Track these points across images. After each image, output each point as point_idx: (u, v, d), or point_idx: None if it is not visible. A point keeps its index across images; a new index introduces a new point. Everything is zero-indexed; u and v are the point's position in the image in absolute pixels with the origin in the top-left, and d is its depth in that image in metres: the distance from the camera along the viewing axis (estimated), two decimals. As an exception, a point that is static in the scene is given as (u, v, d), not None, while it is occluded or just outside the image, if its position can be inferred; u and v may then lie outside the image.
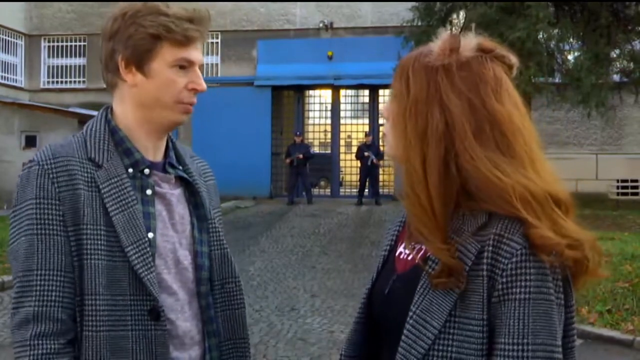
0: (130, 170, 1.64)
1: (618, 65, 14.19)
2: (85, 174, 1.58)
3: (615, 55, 14.02)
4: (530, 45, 12.14)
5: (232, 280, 1.77)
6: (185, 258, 1.69)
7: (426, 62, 1.33)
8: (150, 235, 1.61)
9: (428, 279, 1.29)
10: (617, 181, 18.02)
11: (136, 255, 1.56)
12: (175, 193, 1.71)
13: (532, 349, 1.19)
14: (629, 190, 18.00)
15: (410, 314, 1.29)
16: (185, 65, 1.63)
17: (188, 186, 1.75)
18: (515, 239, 1.22)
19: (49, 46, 21.42)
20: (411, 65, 1.35)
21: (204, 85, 1.66)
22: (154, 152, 1.70)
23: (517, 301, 1.21)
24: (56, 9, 21.07)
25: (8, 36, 20.61)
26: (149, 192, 1.65)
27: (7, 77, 20.54)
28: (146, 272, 1.56)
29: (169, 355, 1.60)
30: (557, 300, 1.23)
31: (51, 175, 1.55)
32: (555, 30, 13.13)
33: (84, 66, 21.12)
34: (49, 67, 21.45)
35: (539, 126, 17.19)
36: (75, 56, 21.21)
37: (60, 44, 21.35)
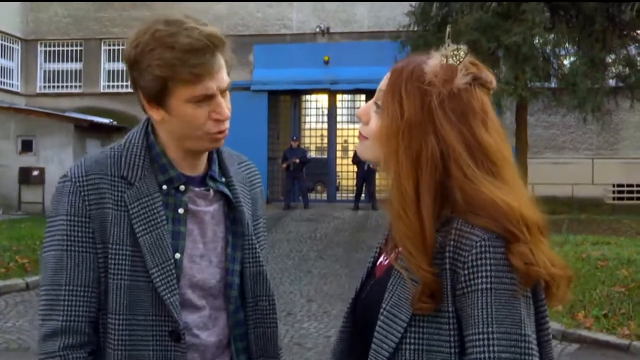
0: (165, 187, 1.62)
1: (613, 70, 14.24)
2: (116, 193, 1.58)
3: (610, 60, 14.07)
4: (526, 50, 12.18)
5: (266, 299, 1.73)
6: (214, 276, 1.67)
7: (420, 86, 1.36)
8: (177, 256, 1.60)
9: (397, 274, 1.35)
10: (613, 186, 18.04)
11: (160, 278, 1.55)
12: (210, 210, 1.68)
13: (497, 337, 1.23)
14: (625, 195, 18.01)
15: (381, 310, 1.34)
16: (201, 100, 1.54)
17: (228, 200, 1.70)
18: (474, 232, 1.27)
19: (45, 51, 21.40)
20: (404, 85, 1.37)
21: (226, 114, 1.58)
22: (193, 166, 1.67)
23: (479, 291, 1.25)
24: (52, 14, 21.05)
25: (4, 41, 20.58)
26: (180, 210, 1.62)
27: (4, 82, 20.50)
28: (169, 295, 1.56)
29: None
30: (521, 292, 1.26)
31: (82, 193, 1.57)
32: (551, 35, 13.18)
33: (80, 71, 21.09)
34: (45, 71, 21.41)
35: (535, 131, 17.26)
36: (72, 61, 21.19)
37: (56, 48, 21.32)
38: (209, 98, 1.54)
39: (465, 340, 1.27)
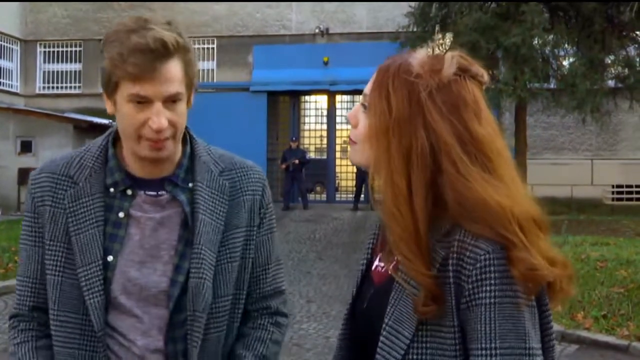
0: (112, 189, 1.61)
1: (612, 71, 14.25)
2: (57, 191, 1.62)
3: (609, 61, 14.08)
4: (525, 51, 12.19)
5: (201, 313, 1.61)
6: (157, 285, 1.60)
7: (407, 79, 1.32)
8: (110, 258, 1.58)
9: (399, 288, 1.30)
10: (612, 186, 18.05)
11: (85, 278, 1.57)
12: (157, 217, 1.62)
13: (501, 352, 1.20)
14: (624, 196, 18.03)
15: (384, 325, 1.30)
16: (140, 101, 1.50)
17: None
18: (479, 245, 1.23)
19: (44, 51, 21.40)
20: (391, 81, 1.34)
21: (158, 124, 1.51)
22: (149, 169, 1.63)
23: (483, 306, 1.22)
24: (51, 14, 21.06)
25: (3, 41, 20.58)
26: (121, 214, 1.60)
27: (3, 83, 20.51)
28: (90, 296, 1.56)
29: None
30: (526, 302, 1.23)
31: (32, 191, 1.66)
32: (550, 36, 13.18)
33: (79, 71, 21.10)
34: (44, 72, 21.42)
35: (534, 132, 17.27)
36: (71, 61, 21.19)
37: (55, 49, 21.33)
38: (147, 102, 1.51)
39: (469, 355, 1.24)
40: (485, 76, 1.37)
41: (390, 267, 1.36)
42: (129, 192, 1.62)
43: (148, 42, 1.47)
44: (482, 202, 1.24)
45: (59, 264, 1.60)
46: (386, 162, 1.31)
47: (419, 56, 1.35)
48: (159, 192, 1.63)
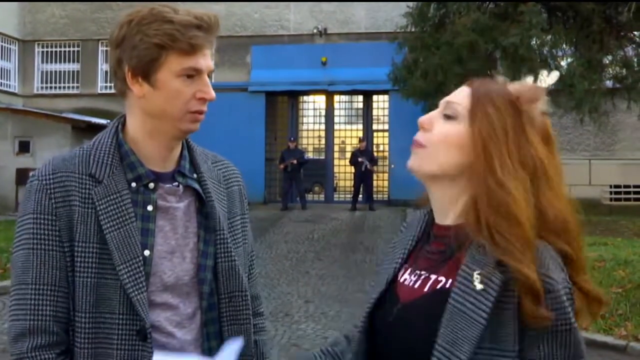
0: (134, 184, 1.62)
1: (611, 72, 14.24)
2: (83, 191, 1.58)
3: (607, 62, 14.07)
4: (523, 51, 12.18)
5: (239, 294, 1.71)
6: (187, 273, 1.65)
7: (509, 97, 1.39)
8: (147, 253, 1.59)
9: (454, 309, 1.29)
10: (610, 187, 18.07)
11: (127, 275, 1.55)
12: (181, 206, 1.67)
13: None
14: (622, 196, 18.04)
15: (436, 346, 1.28)
16: (192, 74, 1.58)
17: (199, 196, 1.70)
18: (549, 275, 1.27)
19: (42, 51, 21.38)
20: (494, 95, 1.39)
21: (212, 94, 1.61)
22: (164, 162, 1.67)
23: (560, 332, 1.28)
24: (50, 15, 21.04)
25: (2, 42, 20.56)
26: (149, 207, 1.62)
27: (1, 83, 20.49)
28: (136, 292, 1.55)
29: None
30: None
31: (49, 191, 1.57)
32: (548, 37, 13.17)
33: (77, 72, 21.09)
34: (42, 72, 21.40)
35: (533, 132, 17.26)
36: (69, 62, 21.18)
37: (54, 49, 21.31)
38: (197, 75, 1.58)
39: None
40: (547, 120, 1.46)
41: (433, 283, 1.38)
42: (151, 185, 1.64)
43: (204, 18, 1.56)
44: (561, 217, 1.35)
45: (93, 265, 1.55)
46: (498, 167, 1.33)
47: (516, 85, 1.43)
48: (173, 184, 1.68)
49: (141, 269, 1.56)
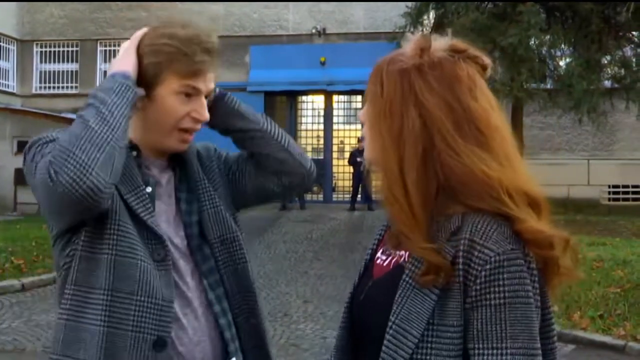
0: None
1: (609, 72, 14.26)
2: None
3: (606, 62, 14.09)
4: (522, 51, 12.19)
5: (230, 235, 1.74)
6: (177, 234, 1.70)
7: (399, 64, 1.33)
8: (149, 189, 1.66)
9: (407, 286, 1.27)
10: (609, 187, 18.08)
11: (136, 202, 1.60)
12: (166, 175, 1.75)
13: (511, 352, 1.19)
14: (621, 196, 18.06)
15: (390, 323, 1.27)
16: (191, 93, 1.65)
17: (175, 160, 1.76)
18: (488, 246, 1.22)
19: (41, 51, 21.36)
20: (385, 68, 1.35)
21: (206, 116, 1.68)
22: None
23: (492, 307, 1.20)
24: (48, 15, 21.02)
25: (0, 41, 20.54)
26: (149, 189, 1.67)
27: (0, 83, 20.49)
28: (149, 216, 1.60)
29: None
30: (535, 303, 1.22)
31: None
32: (547, 37, 13.19)
33: (76, 71, 21.07)
34: (41, 72, 21.38)
35: (531, 132, 17.27)
36: (68, 61, 21.16)
37: (52, 49, 21.29)
38: (195, 94, 1.65)
39: (470, 354, 1.22)
40: (485, 59, 1.36)
41: (395, 259, 1.36)
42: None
43: (213, 43, 1.65)
44: (469, 174, 1.24)
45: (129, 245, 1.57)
46: (380, 146, 1.31)
47: (409, 41, 1.37)
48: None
49: (146, 196, 1.63)
